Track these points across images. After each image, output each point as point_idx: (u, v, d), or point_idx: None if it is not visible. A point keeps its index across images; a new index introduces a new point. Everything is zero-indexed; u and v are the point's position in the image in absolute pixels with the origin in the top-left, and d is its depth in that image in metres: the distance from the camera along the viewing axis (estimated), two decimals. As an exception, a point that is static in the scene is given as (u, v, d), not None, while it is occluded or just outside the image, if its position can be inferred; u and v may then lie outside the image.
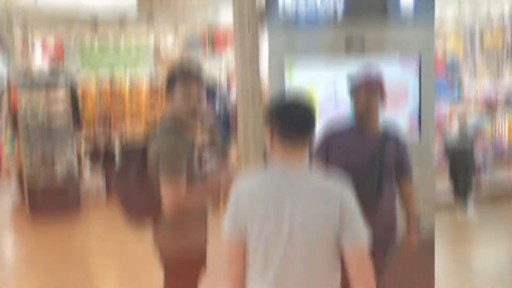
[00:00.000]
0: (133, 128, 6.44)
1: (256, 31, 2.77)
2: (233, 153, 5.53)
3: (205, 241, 2.00)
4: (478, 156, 5.39)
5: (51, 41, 7.09)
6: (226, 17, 6.23)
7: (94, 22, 6.74)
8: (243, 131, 2.80)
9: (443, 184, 5.06)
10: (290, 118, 1.35)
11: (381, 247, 2.08)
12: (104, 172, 6.12)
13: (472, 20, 5.96)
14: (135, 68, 7.23)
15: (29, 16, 6.29)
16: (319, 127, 2.30)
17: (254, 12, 2.75)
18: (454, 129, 5.13)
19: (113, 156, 6.07)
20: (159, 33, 7.28)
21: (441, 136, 5.17)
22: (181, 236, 1.90)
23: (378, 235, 1.96)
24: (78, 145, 5.92)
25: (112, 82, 6.69)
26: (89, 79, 6.82)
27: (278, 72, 2.60)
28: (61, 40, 7.08)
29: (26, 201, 5.41)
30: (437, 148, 4.94)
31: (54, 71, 5.81)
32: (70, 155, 5.53)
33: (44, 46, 7.10)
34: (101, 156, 6.16)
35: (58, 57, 7.03)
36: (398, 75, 2.63)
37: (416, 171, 2.28)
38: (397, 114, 2.62)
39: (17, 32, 6.32)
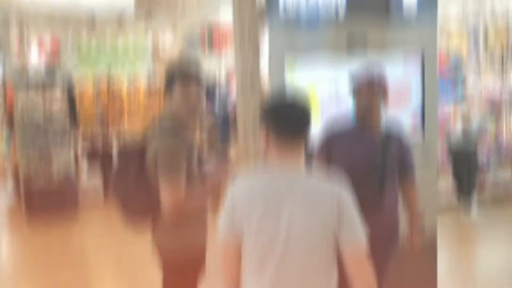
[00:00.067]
0: (131, 128, 6.40)
1: (256, 29, 2.74)
2: (233, 153, 5.50)
3: (204, 241, 1.99)
4: (482, 156, 5.37)
5: (47, 39, 7.03)
6: (225, 15, 6.19)
7: (91, 20, 6.68)
8: (243, 131, 2.77)
9: (447, 185, 5.03)
10: (285, 118, 1.35)
11: (384, 248, 2.07)
12: (102, 172, 6.09)
13: (476, 17, 5.91)
14: (133, 67, 7.18)
15: (26, 14, 6.24)
16: (321, 126, 2.28)
17: (254, 10, 2.72)
18: (457, 129, 5.11)
19: (110, 156, 6.04)
20: (158, 31, 7.23)
21: (445, 136, 5.15)
22: (180, 236, 1.89)
23: (380, 236, 1.95)
24: (75, 145, 5.88)
25: (109, 81, 6.65)
26: (86, 78, 6.77)
27: (278, 71, 2.57)
28: (58, 38, 7.03)
29: (23, 202, 5.39)
30: (440, 148, 4.92)
31: (51, 70, 5.77)
32: (67, 155, 5.50)
33: (40, 44, 7.05)
34: (99, 155, 6.13)
35: (55, 56, 6.98)
36: (400, 74, 2.60)
37: (419, 172, 2.26)
38: (399, 113, 2.59)
39: (13, 31, 6.26)
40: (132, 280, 3.59)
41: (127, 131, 6.35)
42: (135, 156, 1.87)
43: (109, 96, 6.52)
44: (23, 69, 6.01)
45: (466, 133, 5.04)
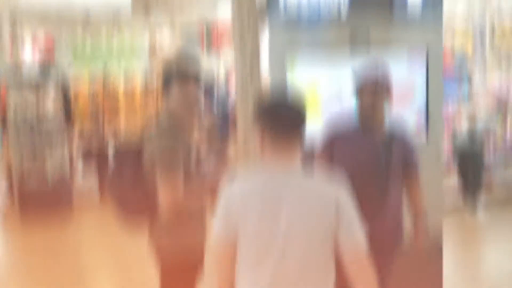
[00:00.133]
0: (127, 127, 6.35)
1: (256, 27, 2.69)
2: (232, 153, 5.46)
3: (202, 241, 1.96)
4: (488, 156, 5.33)
5: (41, 37, 6.93)
6: (224, 13, 6.11)
7: (86, 18, 6.60)
8: (243, 131, 2.73)
9: (452, 185, 5.00)
10: (279, 118, 1.35)
11: (388, 248, 2.06)
12: (97, 172, 6.03)
13: (482, 15, 5.86)
14: (130, 66, 7.10)
15: (19, 11, 6.15)
16: (322, 125, 2.24)
17: (253, 7, 2.68)
18: (463, 128, 5.08)
19: (106, 155, 5.98)
20: (155, 29, 7.15)
21: (450, 136, 5.11)
22: (178, 236, 1.88)
23: (384, 237, 1.92)
24: (70, 145, 5.82)
25: (105, 79, 6.58)
26: (81, 77, 6.69)
27: (279, 70, 2.53)
28: (52, 36, 6.94)
29: (16, 202, 5.34)
30: (445, 148, 4.89)
31: (45, 68, 5.70)
32: (61, 155, 5.45)
33: (34, 42, 6.95)
34: (94, 155, 6.07)
35: (49, 54, 6.89)
36: (405, 73, 2.56)
37: (424, 172, 2.23)
38: (404, 112, 2.55)
39: (6, 28, 6.18)
40: (128, 281, 3.56)
41: (123, 131, 6.29)
42: (132, 156, 1.86)
43: (105, 95, 6.45)
44: (16, 68, 5.94)
45: (471, 132, 5.02)
